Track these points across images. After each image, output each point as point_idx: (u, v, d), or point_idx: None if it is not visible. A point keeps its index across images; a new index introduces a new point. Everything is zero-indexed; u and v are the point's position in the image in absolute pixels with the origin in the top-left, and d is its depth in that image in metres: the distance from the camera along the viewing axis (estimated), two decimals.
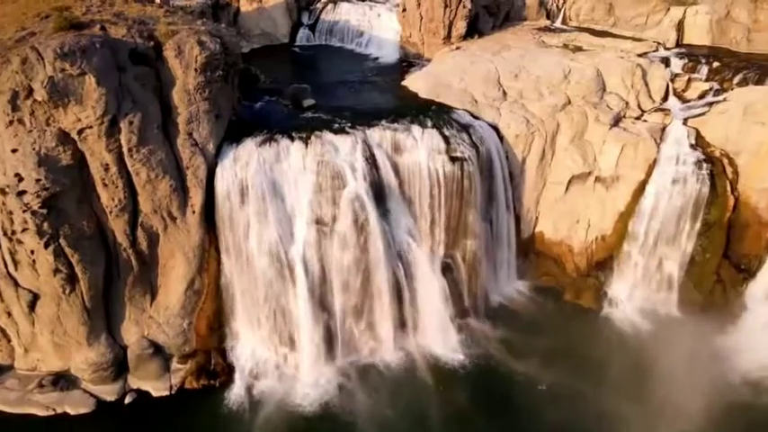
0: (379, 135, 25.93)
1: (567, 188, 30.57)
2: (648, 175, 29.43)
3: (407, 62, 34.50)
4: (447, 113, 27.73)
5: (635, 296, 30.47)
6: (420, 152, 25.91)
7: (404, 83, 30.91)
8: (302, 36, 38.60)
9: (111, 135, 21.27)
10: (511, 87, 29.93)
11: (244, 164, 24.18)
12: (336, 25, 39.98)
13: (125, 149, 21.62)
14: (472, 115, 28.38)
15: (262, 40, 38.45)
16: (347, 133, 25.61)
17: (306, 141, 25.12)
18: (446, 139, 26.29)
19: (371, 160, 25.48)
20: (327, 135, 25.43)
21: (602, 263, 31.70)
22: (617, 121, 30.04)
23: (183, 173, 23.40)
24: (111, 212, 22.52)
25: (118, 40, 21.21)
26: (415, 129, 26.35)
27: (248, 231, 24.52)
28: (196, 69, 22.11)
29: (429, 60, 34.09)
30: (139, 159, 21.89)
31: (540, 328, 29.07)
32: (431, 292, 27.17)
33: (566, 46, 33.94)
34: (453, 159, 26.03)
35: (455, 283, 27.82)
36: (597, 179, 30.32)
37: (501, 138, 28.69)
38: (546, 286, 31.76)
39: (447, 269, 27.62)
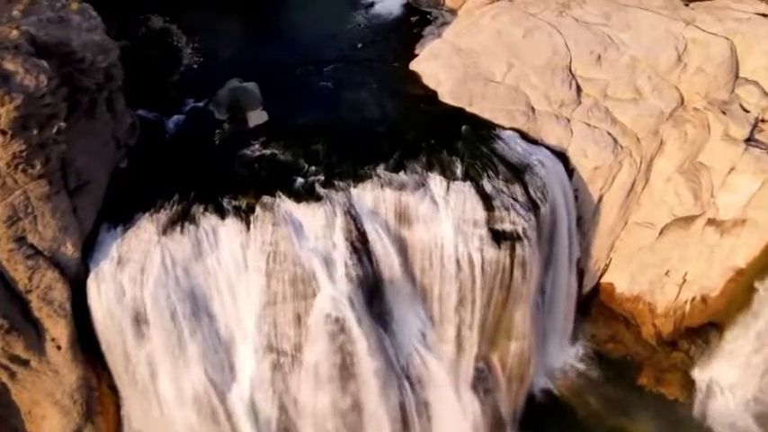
0: (374, 197, 15.16)
1: (660, 232, 20.52)
2: None
3: (418, 15, 22.16)
4: (487, 142, 16.54)
5: (743, 385, 21.44)
6: (443, 225, 15.35)
7: (414, 65, 19.16)
8: None
9: None
10: (590, 80, 18.36)
11: (137, 269, 13.81)
12: None
13: None
14: (526, 137, 17.43)
15: None
16: (318, 198, 14.96)
17: (246, 217, 14.54)
18: (487, 200, 15.53)
19: (360, 244, 15.09)
20: (285, 203, 14.71)
21: (696, 331, 22.22)
22: (752, 131, 19.18)
23: (22, 300, 13.41)
24: None
25: None
26: (435, 182, 15.46)
27: (157, 373, 15.00)
28: (4, 132, 11.30)
29: (453, 12, 21.74)
30: None
31: None
32: (454, 415, 18.10)
33: None
34: (498, 237, 15.52)
35: (489, 395, 18.63)
36: (709, 222, 20.17)
37: (570, 170, 18.07)
38: (611, 358, 22.72)
39: (479, 378, 18.40)
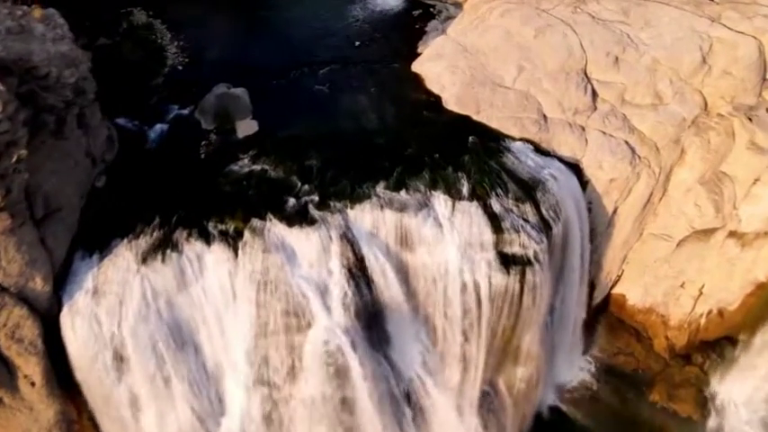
0: (373, 220, 13.92)
1: (677, 244, 19.36)
2: None
3: (421, 9, 20.40)
4: (496, 155, 15.21)
5: (759, 401, 20.62)
6: (447, 249, 14.11)
7: (416, 66, 17.75)
8: None
9: None
10: (606, 84, 16.97)
11: (114, 302, 12.67)
12: None
13: None
14: (538, 149, 16.12)
15: None
16: (312, 222, 13.75)
17: (234, 243, 13.35)
18: (495, 221, 14.29)
19: (358, 270, 13.90)
20: (276, 227, 13.53)
21: (711, 345, 21.12)
22: None
23: None
24: None
25: None
26: (439, 201, 14.17)
27: (140, 410, 13.94)
28: None
29: (458, 6, 20.23)
30: None
31: None
32: None
33: None
34: (507, 261, 14.37)
35: (495, 419, 17.68)
36: (730, 234, 18.98)
37: (584, 182, 16.82)
38: (621, 371, 21.72)
39: (484, 402, 17.33)
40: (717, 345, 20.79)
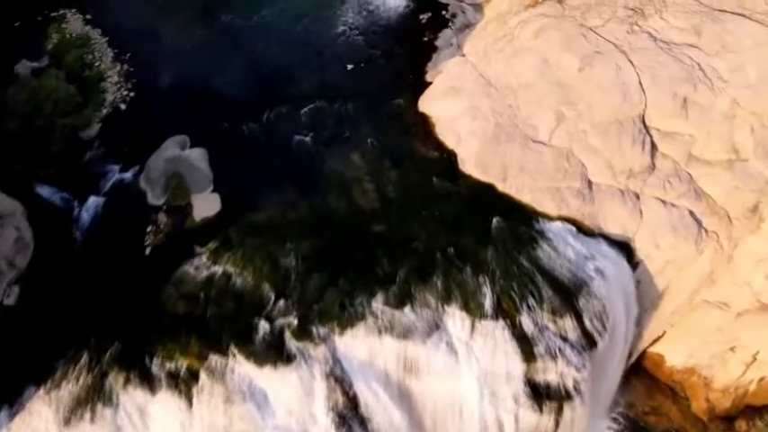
0: (368, 348, 10.72)
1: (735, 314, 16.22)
2: None
3: (430, 11, 15.84)
4: (528, 247, 11.56)
5: None
6: (464, 380, 10.97)
7: (424, 104, 13.59)
8: None
9: None
10: (670, 136, 13.10)
11: None
12: None
13: None
14: (580, 229, 12.61)
15: None
16: (290, 359, 10.52)
17: (187, 389, 10.21)
18: (525, 344, 10.96)
19: (350, 411, 10.89)
20: (241, 366, 10.43)
21: (758, 411, 18.70)
22: None
23: None
24: None
25: None
26: (454, 320, 10.80)
27: None
28: None
29: (477, 9, 16.00)
30: None
31: None
32: None
33: None
34: (540, 394, 11.43)
35: None
36: None
37: (634, 263, 13.42)
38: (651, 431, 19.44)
39: None
40: (762, 411, 18.29)
